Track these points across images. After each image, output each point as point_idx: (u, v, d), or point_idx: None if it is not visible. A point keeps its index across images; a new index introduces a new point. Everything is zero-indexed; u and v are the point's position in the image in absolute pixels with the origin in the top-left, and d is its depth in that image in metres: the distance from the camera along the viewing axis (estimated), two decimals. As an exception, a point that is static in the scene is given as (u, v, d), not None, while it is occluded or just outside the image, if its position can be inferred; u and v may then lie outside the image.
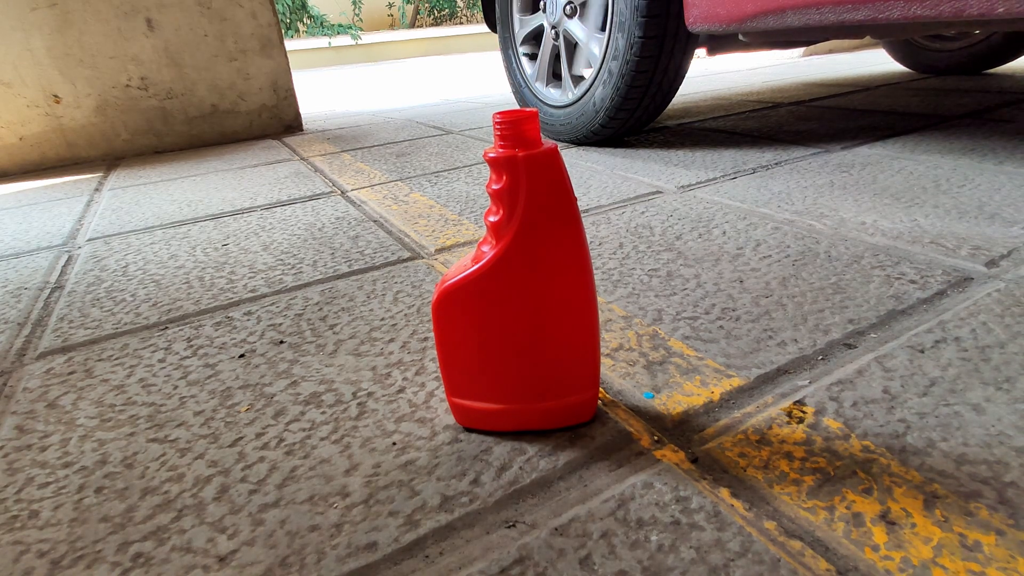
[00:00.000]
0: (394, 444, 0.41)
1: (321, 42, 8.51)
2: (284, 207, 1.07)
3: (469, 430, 0.42)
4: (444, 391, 0.47)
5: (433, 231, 0.85)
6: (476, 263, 0.37)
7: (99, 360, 0.57)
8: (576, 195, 0.80)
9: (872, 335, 0.50)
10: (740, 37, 1.07)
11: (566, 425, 0.41)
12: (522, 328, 0.38)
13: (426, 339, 0.56)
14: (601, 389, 0.45)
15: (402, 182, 1.17)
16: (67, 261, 0.88)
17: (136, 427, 0.46)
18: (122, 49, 1.70)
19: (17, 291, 0.77)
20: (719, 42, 1.28)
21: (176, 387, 0.51)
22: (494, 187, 0.35)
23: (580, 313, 0.38)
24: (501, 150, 0.35)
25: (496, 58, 6.24)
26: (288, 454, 0.41)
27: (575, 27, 1.27)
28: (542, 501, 0.36)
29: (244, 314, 0.64)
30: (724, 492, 0.35)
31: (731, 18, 0.99)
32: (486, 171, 1.22)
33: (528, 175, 0.34)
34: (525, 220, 0.35)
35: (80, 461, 0.42)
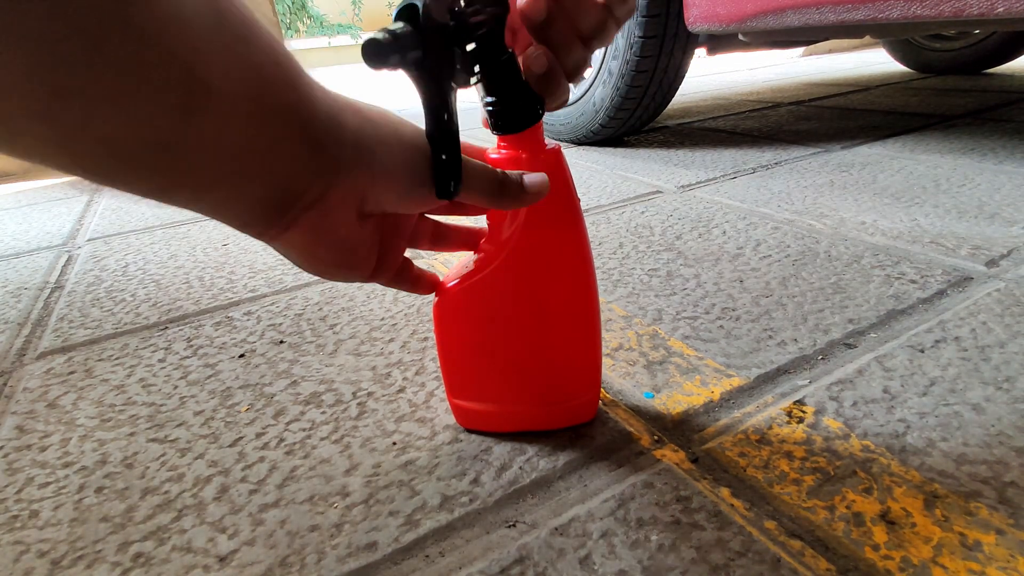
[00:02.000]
0: (394, 444, 0.41)
1: (321, 42, 8.51)
2: (284, 207, 1.07)
3: (469, 430, 0.42)
4: (444, 391, 0.47)
5: (433, 231, 0.85)
6: (477, 264, 0.37)
7: (99, 360, 0.57)
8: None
9: (872, 335, 0.50)
10: (740, 37, 1.07)
11: (567, 425, 0.41)
12: (523, 329, 0.38)
13: (426, 339, 0.56)
14: (601, 389, 0.45)
15: (402, 182, 1.17)
16: (67, 261, 0.88)
17: (136, 427, 0.46)
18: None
19: (17, 291, 0.77)
20: (719, 42, 1.28)
21: (176, 387, 0.51)
22: None
23: (582, 314, 0.38)
24: (504, 151, 0.34)
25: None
26: (288, 454, 0.41)
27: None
28: (542, 501, 0.36)
29: (244, 314, 0.64)
30: (724, 492, 0.35)
31: (731, 18, 0.99)
32: (486, 171, 1.21)
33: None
34: (528, 221, 0.35)
35: (80, 461, 0.42)
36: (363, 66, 0.31)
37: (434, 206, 0.30)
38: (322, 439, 0.43)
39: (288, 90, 0.23)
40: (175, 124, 0.19)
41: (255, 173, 0.23)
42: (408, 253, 0.78)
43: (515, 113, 0.32)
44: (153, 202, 0.22)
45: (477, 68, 0.30)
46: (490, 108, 0.32)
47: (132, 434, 0.45)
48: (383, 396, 0.47)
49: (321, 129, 0.24)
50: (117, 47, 0.17)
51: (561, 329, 0.38)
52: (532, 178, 0.31)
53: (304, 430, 0.44)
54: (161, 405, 0.49)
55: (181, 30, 0.19)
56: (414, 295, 0.65)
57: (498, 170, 0.31)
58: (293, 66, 0.23)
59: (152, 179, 0.21)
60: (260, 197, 0.24)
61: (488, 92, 0.31)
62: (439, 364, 0.41)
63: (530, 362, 0.39)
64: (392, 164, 0.27)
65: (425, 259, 0.75)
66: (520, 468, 0.38)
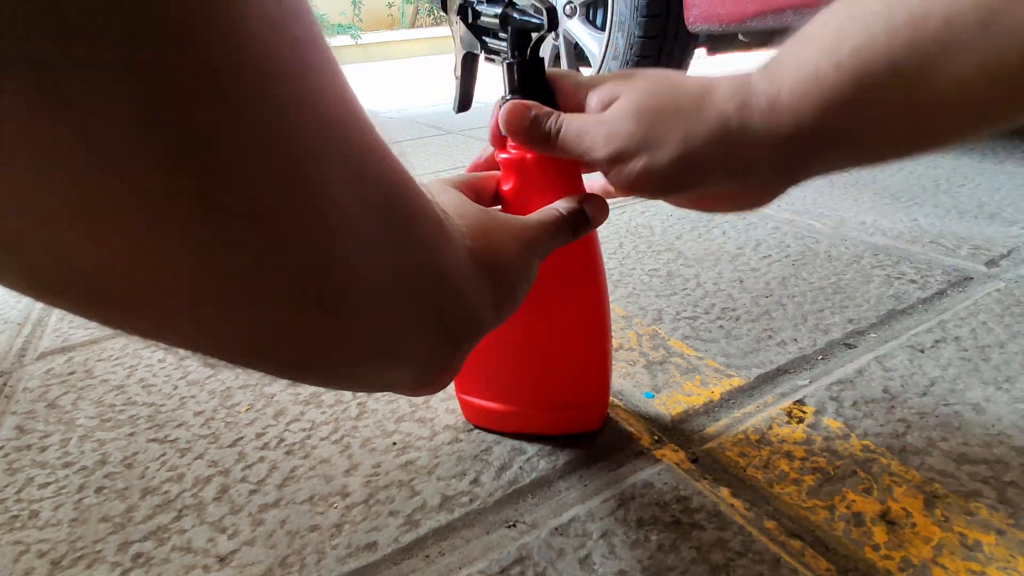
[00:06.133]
0: (394, 444, 0.41)
1: (321, 42, 8.50)
2: (284, 207, 1.07)
3: (470, 429, 0.42)
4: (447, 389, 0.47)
5: (433, 231, 0.85)
6: None
7: (99, 360, 0.57)
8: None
9: (872, 335, 0.50)
10: (740, 37, 1.07)
11: (572, 432, 0.41)
12: (529, 330, 0.37)
13: (426, 339, 0.56)
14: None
15: (402, 182, 1.17)
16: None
17: (136, 427, 0.46)
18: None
19: (17, 291, 0.77)
20: (719, 42, 1.29)
21: (176, 387, 0.51)
22: (505, 188, 0.35)
23: (590, 319, 0.37)
24: (513, 151, 0.34)
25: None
26: (288, 454, 0.41)
27: (575, 27, 1.27)
28: (542, 501, 0.36)
29: (244, 314, 0.64)
30: (724, 492, 0.35)
31: (731, 18, 0.99)
32: (486, 171, 1.21)
33: (540, 177, 0.34)
34: None
35: (80, 461, 0.42)
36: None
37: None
38: (322, 439, 0.43)
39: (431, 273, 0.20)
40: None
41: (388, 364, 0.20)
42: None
43: None
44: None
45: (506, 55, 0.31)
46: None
47: (132, 434, 0.45)
48: (383, 396, 0.47)
49: (454, 310, 0.22)
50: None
51: (567, 333, 0.37)
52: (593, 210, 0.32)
53: (304, 430, 0.44)
54: (161, 405, 0.49)
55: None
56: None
57: (559, 218, 0.30)
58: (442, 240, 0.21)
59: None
60: (392, 383, 0.22)
61: (511, 90, 0.32)
62: None
63: (535, 364, 0.38)
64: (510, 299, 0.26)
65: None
66: (520, 468, 0.38)
